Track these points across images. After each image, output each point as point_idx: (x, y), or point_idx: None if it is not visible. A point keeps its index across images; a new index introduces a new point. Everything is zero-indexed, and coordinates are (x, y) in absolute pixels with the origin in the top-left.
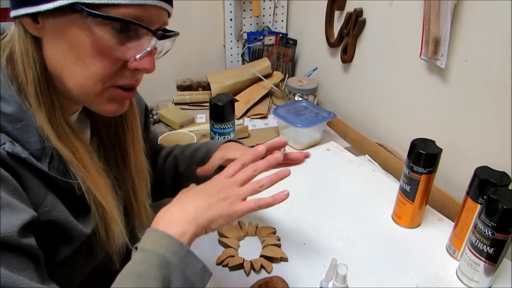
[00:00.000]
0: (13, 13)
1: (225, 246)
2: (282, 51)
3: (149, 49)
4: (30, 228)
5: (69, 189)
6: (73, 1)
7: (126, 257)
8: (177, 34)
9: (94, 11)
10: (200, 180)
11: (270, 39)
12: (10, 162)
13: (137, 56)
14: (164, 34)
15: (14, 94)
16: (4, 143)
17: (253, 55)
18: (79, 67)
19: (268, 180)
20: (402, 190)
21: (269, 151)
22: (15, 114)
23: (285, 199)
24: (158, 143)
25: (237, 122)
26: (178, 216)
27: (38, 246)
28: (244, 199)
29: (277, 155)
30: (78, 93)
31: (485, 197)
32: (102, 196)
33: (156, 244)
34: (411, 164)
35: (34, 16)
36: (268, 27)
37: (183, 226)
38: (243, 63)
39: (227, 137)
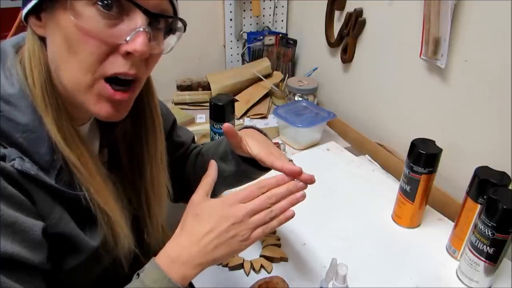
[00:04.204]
0: (23, 15)
1: None
2: (282, 51)
3: (141, 29)
4: None
5: (75, 201)
6: None
7: (134, 261)
8: (172, 17)
9: None
10: (222, 174)
11: (270, 39)
12: (19, 178)
13: (127, 38)
14: (157, 13)
15: (30, 104)
16: (14, 159)
17: (253, 55)
18: (70, 58)
19: (280, 208)
20: (402, 190)
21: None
22: (29, 124)
23: (290, 219)
24: (195, 143)
25: (237, 122)
26: (184, 255)
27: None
28: (253, 229)
29: (300, 185)
30: (72, 89)
31: (485, 197)
32: (105, 202)
33: (156, 283)
34: (411, 164)
35: (37, 15)
36: (268, 27)
37: (185, 270)
38: (243, 63)
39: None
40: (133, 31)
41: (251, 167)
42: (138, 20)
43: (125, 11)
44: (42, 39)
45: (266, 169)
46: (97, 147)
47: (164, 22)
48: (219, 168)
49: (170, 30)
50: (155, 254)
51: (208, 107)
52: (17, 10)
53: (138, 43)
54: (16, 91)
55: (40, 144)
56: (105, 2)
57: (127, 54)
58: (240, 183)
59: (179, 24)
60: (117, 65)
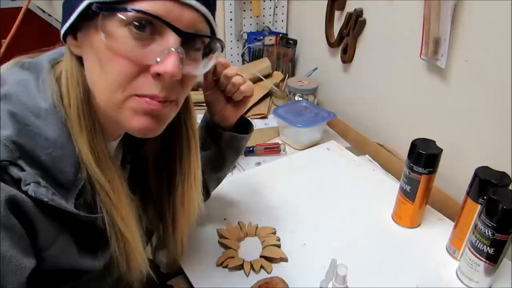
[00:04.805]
0: (62, 35)
1: (225, 247)
2: (282, 51)
3: (173, 49)
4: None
5: (90, 224)
6: (89, 1)
7: (147, 284)
8: (206, 36)
9: (103, 5)
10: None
11: (270, 39)
12: (26, 205)
13: (158, 59)
14: (190, 33)
15: (60, 120)
16: (29, 184)
17: (253, 55)
18: (102, 77)
19: None
20: (402, 190)
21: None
22: (57, 140)
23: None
24: None
25: None
26: None
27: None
28: None
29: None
30: (105, 107)
31: (485, 197)
32: (127, 227)
33: None
34: (411, 164)
35: (74, 34)
36: (268, 27)
37: None
38: (243, 63)
39: None
40: (164, 52)
41: (228, 131)
42: (170, 40)
43: (158, 31)
44: (80, 59)
45: (245, 131)
46: (119, 164)
47: (200, 42)
48: (201, 157)
49: (210, 50)
50: (170, 269)
51: None
52: (17, 10)
53: (169, 65)
54: (47, 106)
55: (66, 162)
56: (138, 24)
57: (158, 76)
58: (227, 159)
59: (218, 45)
60: (148, 87)
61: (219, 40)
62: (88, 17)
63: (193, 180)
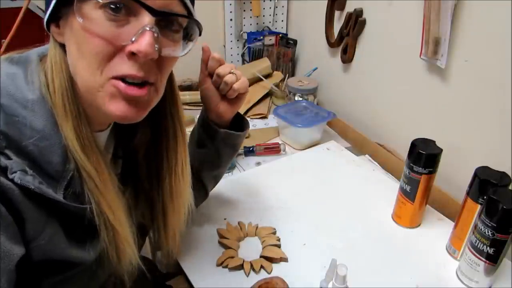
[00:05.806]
0: (45, 25)
1: (225, 247)
2: (282, 51)
3: (147, 28)
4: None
5: (79, 215)
6: None
7: (137, 277)
8: (180, 15)
9: None
10: (204, 158)
11: (270, 39)
12: (13, 192)
13: (133, 39)
14: (164, 12)
15: (48, 111)
16: (15, 172)
17: (253, 55)
18: (80, 60)
19: None
20: (402, 190)
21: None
22: (45, 131)
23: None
24: None
25: None
26: None
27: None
28: None
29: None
30: (85, 91)
31: (485, 197)
32: (115, 217)
33: None
34: (411, 164)
35: (57, 22)
36: (268, 27)
37: None
38: (243, 63)
39: None
40: (138, 31)
41: (224, 128)
42: (145, 19)
43: (133, 12)
44: (63, 47)
45: (241, 129)
46: (110, 157)
47: (178, 24)
48: (198, 155)
49: (187, 34)
50: (167, 266)
51: None
52: (17, 10)
53: (143, 43)
54: (35, 97)
55: (53, 152)
56: (112, 5)
57: (133, 55)
58: (223, 157)
59: (195, 27)
60: (124, 67)
61: (196, 21)
62: (67, 3)
63: (181, 172)
